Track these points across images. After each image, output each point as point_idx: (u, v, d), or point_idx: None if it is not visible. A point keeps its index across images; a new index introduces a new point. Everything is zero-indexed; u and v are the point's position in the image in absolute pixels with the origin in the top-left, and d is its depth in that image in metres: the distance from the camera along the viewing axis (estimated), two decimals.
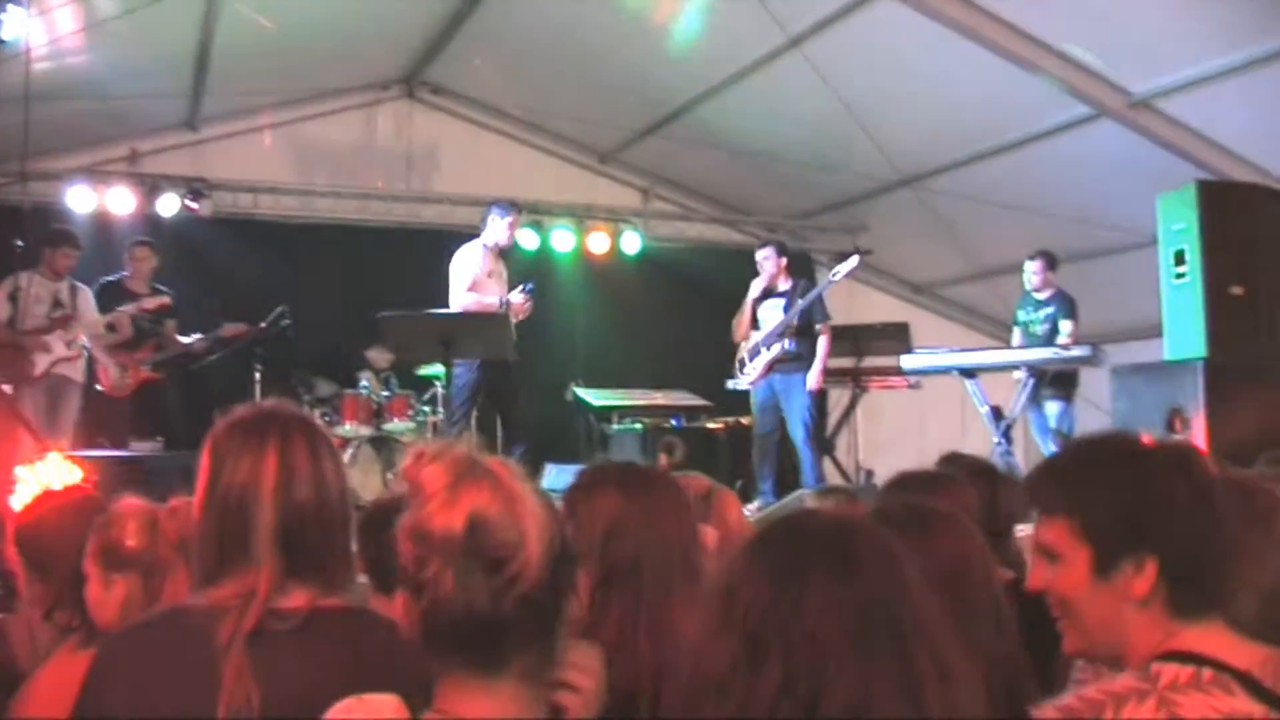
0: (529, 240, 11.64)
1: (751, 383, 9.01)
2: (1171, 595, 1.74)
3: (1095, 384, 10.18)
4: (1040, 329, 9.51)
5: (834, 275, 9.29)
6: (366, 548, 2.73)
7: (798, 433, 8.83)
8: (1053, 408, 9.36)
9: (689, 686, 1.51)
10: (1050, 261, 9.58)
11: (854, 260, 9.14)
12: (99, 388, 8.93)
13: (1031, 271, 9.59)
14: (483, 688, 1.56)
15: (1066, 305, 9.45)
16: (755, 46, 9.49)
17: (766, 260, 9.09)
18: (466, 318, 8.43)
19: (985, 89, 9.15)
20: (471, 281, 8.59)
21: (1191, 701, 1.65)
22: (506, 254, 9.00)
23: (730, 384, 9.32)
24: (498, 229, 8.76)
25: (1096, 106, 8.95)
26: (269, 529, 1.92)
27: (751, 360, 8.98)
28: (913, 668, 1.42)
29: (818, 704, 1.39)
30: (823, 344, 8.84)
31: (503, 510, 1.54)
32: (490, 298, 8.60)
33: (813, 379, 8.76)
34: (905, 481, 3.18)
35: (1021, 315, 9.73)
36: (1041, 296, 9.60)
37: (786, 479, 9.09)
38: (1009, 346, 9.75)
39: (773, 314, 8.98)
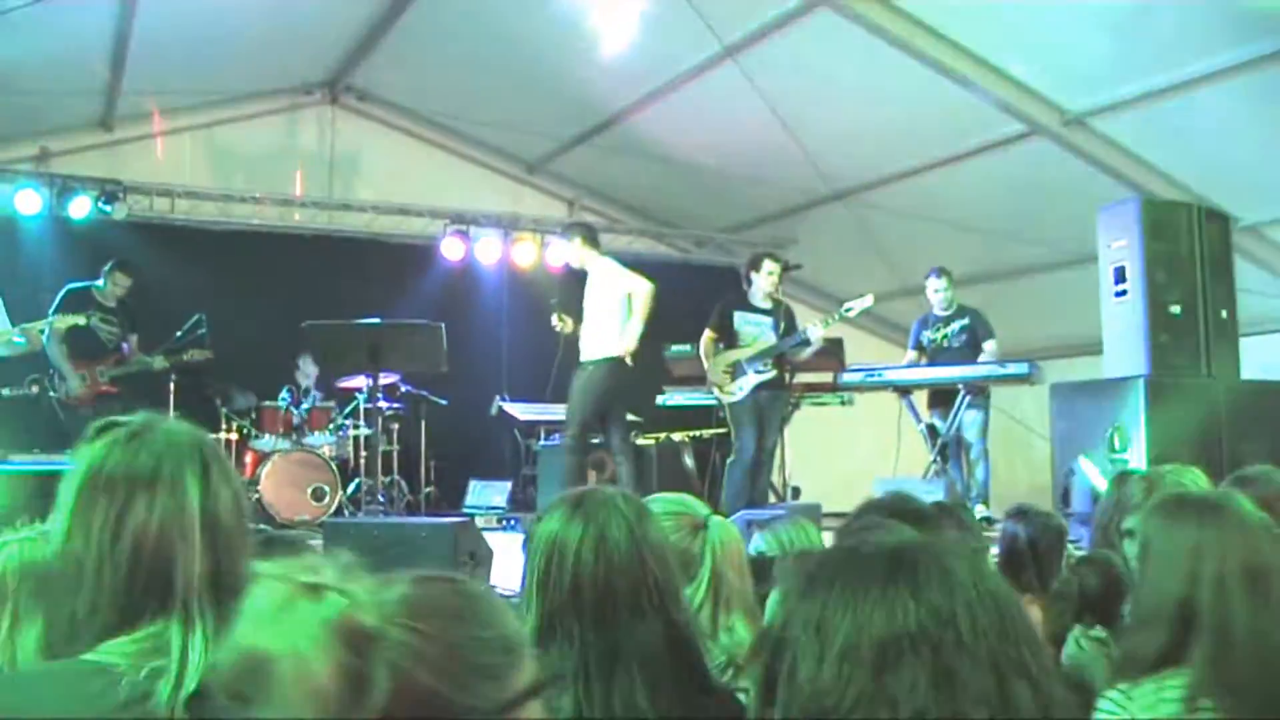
0: (454, 250, 11.41)
1: (738, 401, 8.48)
2: None
3: (1020, 400, 10.20)
4: (956, 342, 9.21)
5: (847, 310, 8.86)
6: None
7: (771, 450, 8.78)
8: (972, 415, 9.03)
9: None
10: (950, 276, 9.33)
11: (868, 299, 8.74)
12: (53, 395, 8.78)
13: (937, 288, 9.29)
14: None
15: (982, 319, 9.21)
16: (689, 55, 9.36)
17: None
18: (394, 329, 8.19)
19: (920, 104, 9.10)
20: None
21: None
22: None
23: (720, 397, 8.61)
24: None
25: (1031, 124, 8.93)
26: None
27: (738, 378, 8.48)
28: None
29: None
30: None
31: None
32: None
33: None
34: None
35: (928, 334, 9.40)
36: (946, 312, 9.32)
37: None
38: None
39: (754, 329, 8.60)
